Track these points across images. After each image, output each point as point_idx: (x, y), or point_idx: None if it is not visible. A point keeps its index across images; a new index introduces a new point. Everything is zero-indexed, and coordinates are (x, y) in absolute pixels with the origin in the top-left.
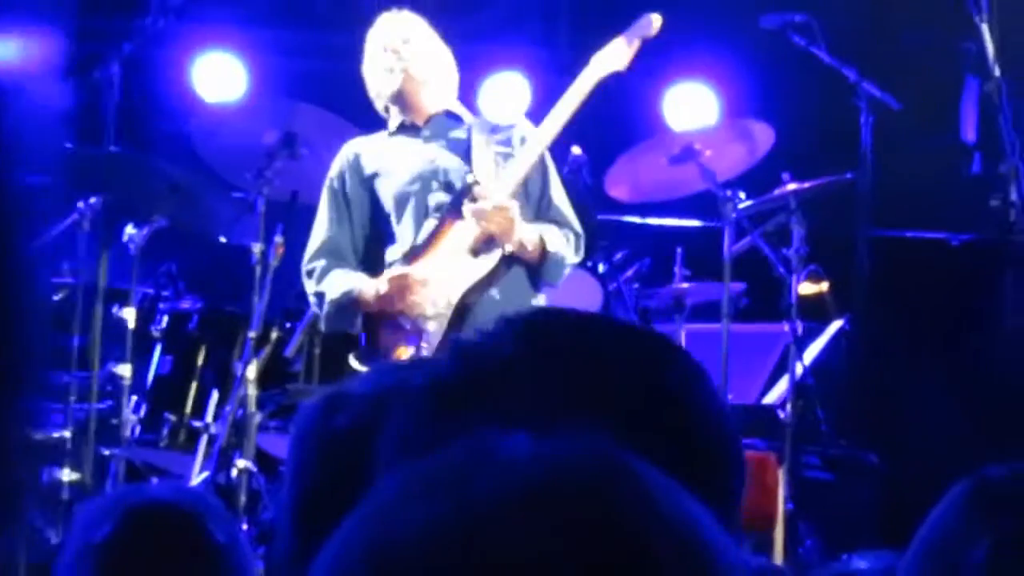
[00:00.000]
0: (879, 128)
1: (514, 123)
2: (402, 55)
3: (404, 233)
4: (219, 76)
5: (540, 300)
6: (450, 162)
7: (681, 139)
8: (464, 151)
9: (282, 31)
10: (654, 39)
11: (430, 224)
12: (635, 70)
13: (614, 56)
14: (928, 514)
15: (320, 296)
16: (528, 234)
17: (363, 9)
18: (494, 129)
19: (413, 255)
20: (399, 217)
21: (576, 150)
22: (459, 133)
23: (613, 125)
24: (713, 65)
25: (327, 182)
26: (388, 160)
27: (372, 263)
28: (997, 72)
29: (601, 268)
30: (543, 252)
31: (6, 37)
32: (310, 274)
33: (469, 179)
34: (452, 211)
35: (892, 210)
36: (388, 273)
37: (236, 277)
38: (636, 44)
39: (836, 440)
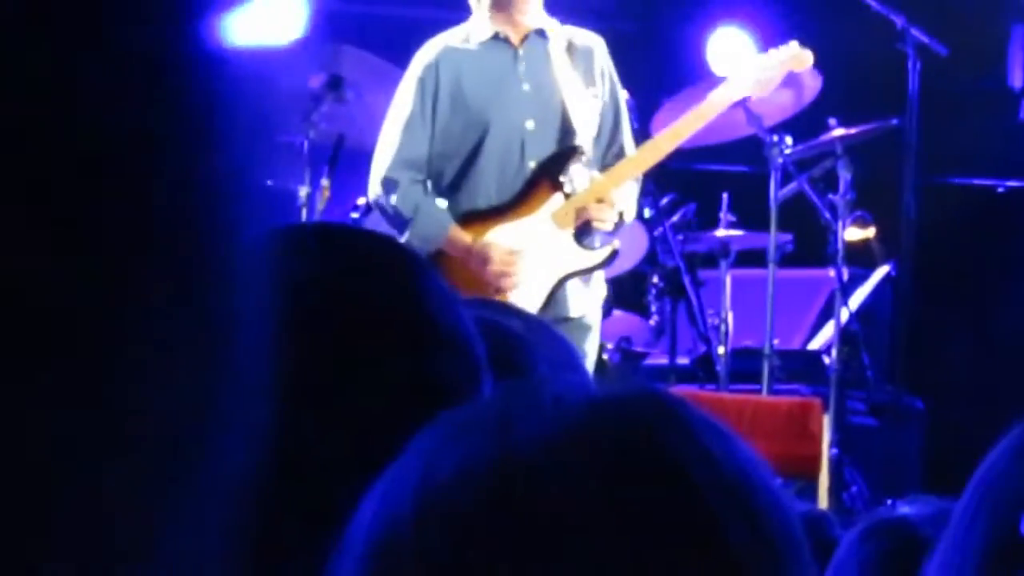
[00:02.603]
0: (926, 74)
1: (590, 45)
2: None
3: (486, 175)
4: (278, 16)
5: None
6: (548, 101)
7: None
8: (559, 81)
9: None
10: None
11: (519, 176)
12: (679, 15)
13: (753, 81)
14: (979, 460)
15: (398, 217)
16: (615, 215)
17: None
18: (571, 49)
19: (499, 213)
20: (482, 153)
21: (623, 93)
22: (551, 54)
23: (659, 68)
24: (759, 9)
25: (414, 73)
26: (482, 80)
27: (439, 181)
28: None
29: (647, 213)
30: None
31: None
32: (388, 185)
33: (578, 146)
34: (550, 173)
35: (939, 156)
36: (486, 237)
37: (282, 220)
38: (779, 74)
39: (881, 385)
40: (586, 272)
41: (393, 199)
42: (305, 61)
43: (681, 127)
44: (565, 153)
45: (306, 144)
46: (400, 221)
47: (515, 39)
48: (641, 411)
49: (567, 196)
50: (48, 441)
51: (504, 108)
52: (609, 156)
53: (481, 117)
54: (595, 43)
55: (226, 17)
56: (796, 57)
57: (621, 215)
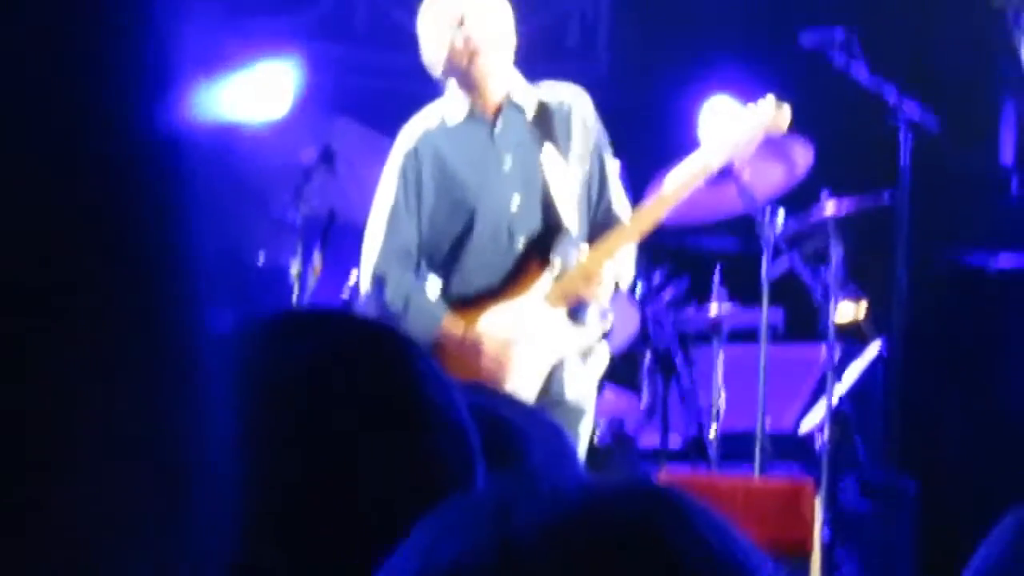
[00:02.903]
0: (918, 148)
1: (567, 101)
2: (474, 33)
3: (475, 256)
4: (268, 89)
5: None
6: (530, 176)
7: None
8: (539, 151)
9: (321, 46)
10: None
11: (508, 256)
12: (671, 85)
13: (731, 143)
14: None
15: (391, 313)
16: (610, 287)
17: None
18: (546, 112)
19: (491, 295)
20: (471, 235)
21: (614, 162)
22: (528, 124)
23: (651, 141)
24: (750, 82)
25: (396, 163)
26: (464, 162)
27: (430, 266)
28: None
29: (639, 290)
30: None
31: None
32: (378, 282)
33: (548, 227)
34: (538, 252)
35: (931, 232)
36: (479, 325)
37: (273, 297)
38: (758, 133)
39: (874, 467)
40: (583, 350)
41: (384, 295)
42: (296, 135)
43: (667, 195)
44: (551, 230)
45: (297, 219)
46: (393, 317)
47: (489, 114)
48: (640, 502)
49: (557, 274)
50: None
51: (488, 189)
52: (599, 213)
53: (466, 200)
54: (572, 97)
55: (196, 94)
56: (773, 116)
57: (617, 284)
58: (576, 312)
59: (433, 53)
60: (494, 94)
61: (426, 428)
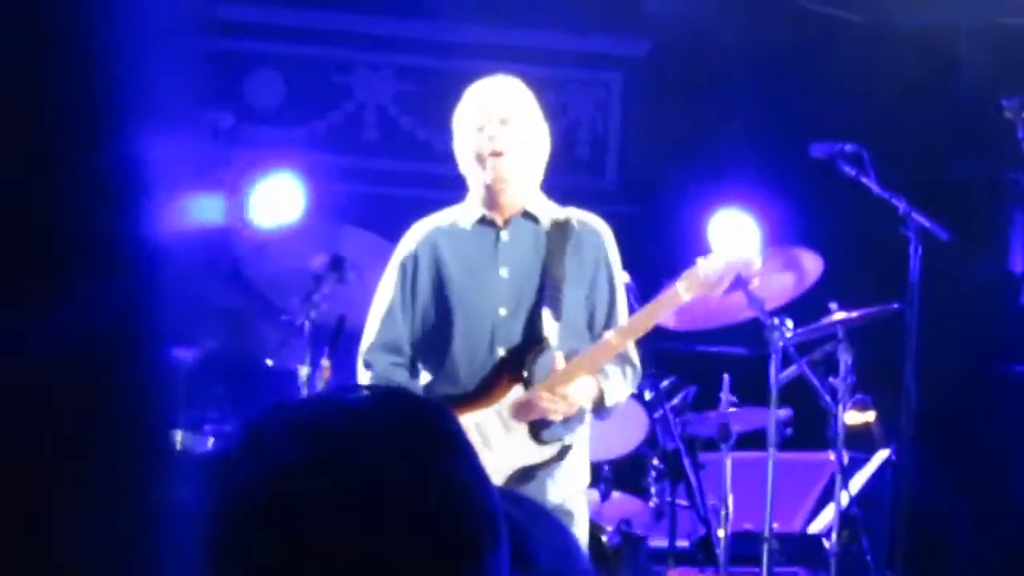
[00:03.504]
0: (927, 257)
1: (588, 231)
2: (497, 142)
3: (458, 360)
4: (278, 199)
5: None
6: (524, 287)
7: None
8: (541, 267)
9: (331, 156)
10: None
11: (488, 363)
12: (680, 198)
13: (705, 280)
14: None
15: None
16: (587, 401)
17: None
18: (564, 233)
19: (467, 400)
20: (455, 337)
21: (624, 276)
22: (537, 238)
23: (659, 251)
24: (759, 192)
25: (397, 259)
26: (462, 265)
27: (420, 362)
28: None
29: (647, 395)
30: (600, 404)
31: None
32: (367, 365)
33: (529, 339)
34: (514, 364)
35: (940, 340)
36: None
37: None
38: (731, 276)
39: (882, 572)
40: (540, 467)
41: (365, 380)
42: (306, 242)
43: (634, 324)
44: (530, 344)
45: (307, 324)
46: None
47: (500, 222)
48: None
49: (527, 388)
50: None
51: (479, 294)
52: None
53: (457, 302)
54: (594, 229)
55: (209, 204)
56: (744, 260)
57: (603, 395)
58: (536, 428)
59: (459, 150)
60: (509, 203)
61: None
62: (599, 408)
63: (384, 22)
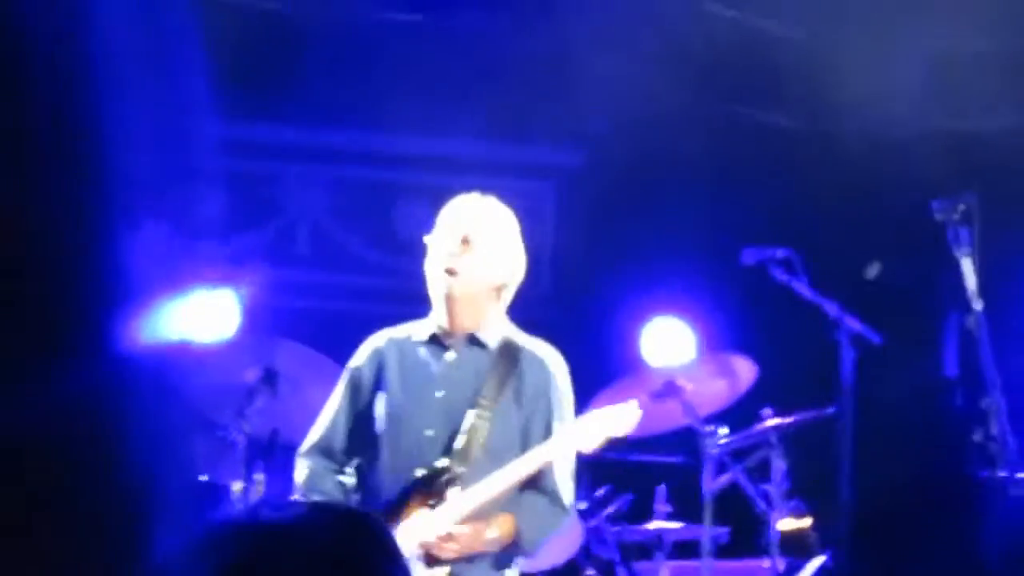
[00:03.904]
0: (862, 362)
1: (535, 363)
2: (453, 260)
3: (383, 476)
4: (212, 314)
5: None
6: (456, 411)
7: (663, 375)
8: (477, 391)
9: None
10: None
11: (406, 483)
12: (613, 304)
13: (585, 435)
14: None
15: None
16: (491, 543)
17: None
18: (510, 362)
19: (385, 512)
20: (383, 454)
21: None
22: (481, 364)
23: (593, 358)
24: (692, 300)
25: (349, 366)
26: (404, 382)
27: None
28: (978, 306)
29: (582, 505)
30: (514, 541)
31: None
32: (302, 463)
33: (442, 464)
34: (426, 489)
35: (875, 444)
36: None
37: (216, 516)
38: (609, 435)
39: None
40: None
41: (299, 476)
42: (239, 356)
43: (515, 470)
44: (441, 473)
45: (240, 438)
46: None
47: (449, 342)
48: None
49: (431, 514)
50: None
51: (411, 412)
52: (539, 473)
53: (391, 418)
54: (542, 362)
55: (143, 318)
56: (620, 420)
57: (518, 533)
58: (427, 560)
59: (426, 264)
60: (460, 325)
61: None
62: (515, 547)
63: (316, 133)
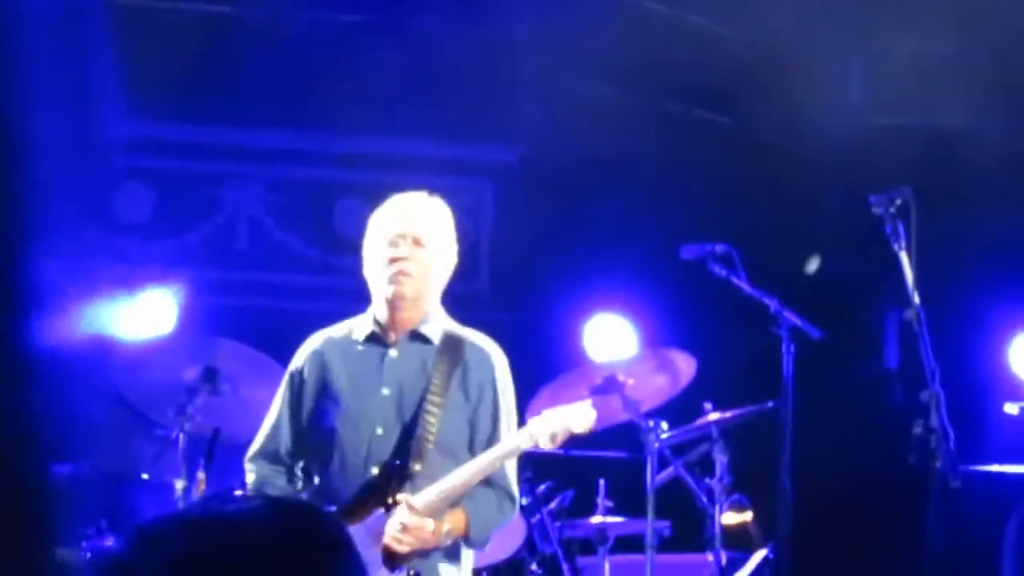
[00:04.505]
0: (801, 357)
1: (478, 355)
2: (407, 263)
3: (335, 476)
4: (150, 313)
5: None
6: (404, 407)
7: (604, 370)
8: (424, 388)
9: (204, 269)
10: (573, 271)
11: (360, 481)
12: (556, 302)
13: (547, 433)
14: None
15: None
16: (444, 537)
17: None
18: (453, 356)
19: (339, 515)
20: (334, 453)
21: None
22: (425, 359)
23: (534, 356)
24: (632, 297)
25: (288, 371)
26: (347, 381)
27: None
28: (917, 300)
29: (524, 500)
30: (465, 533)
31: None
32: (250, 470)
33: (396, 463)
34: (381, 487)
35: (816, 438)
36: None
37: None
38: (564, 429)
39: None
40: None
41: (248, 483)
42: (179, 355)
43: (477, 467)
44: (401, 469)
45: (181, 437)
46: None
47: (391, 338)
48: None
49: (388, 512)
50: None
51: (359, 411)
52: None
53: (339, 418)
54: (484, 353)
55: (80, 318)
56: (580, 418)
57: (468, 526)
58: (387, 558)
59: (368, 257)
60: (403, 322)
61: None
62: (466, 540)
63: (254, 134)
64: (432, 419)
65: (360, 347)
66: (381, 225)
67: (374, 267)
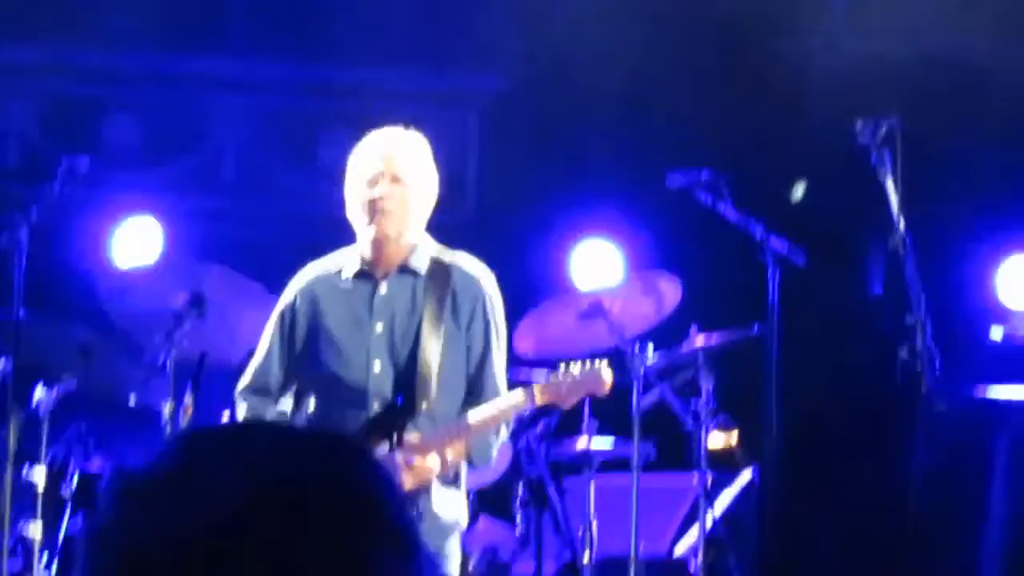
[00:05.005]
0: (786, 282)
1: (468, 283)
2: (386, 201)
3: (334, 413)
4: (137, 241)
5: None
6: (399, 342)
7: (589, 296)
8: (417, 321)
9: (190, 197)
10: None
11: (361, 418)
12: (542, 228)
13: (557, 393)
14: None
15: None
16: (448, 467)
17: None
18: (443, 285)
19: None
20: (332, 391)
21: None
22: (415, 291)
23: (520, 282)
24: (619, 222)
25: (278, 307)
26: (339, 319)
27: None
28: (902, 226)
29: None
30: (468, 457)
31: None
32: (239, 402)
33: (399, 401)
34: (382, 425)
35: (801, 363)
36: None
37: (146, 438)
38: (581, 393)
39: None
40: None
41: (239, 416)
42: (166, 281)
43: (484, 419)
44: (399, 405)
45: (169, 362)
46: None
47: (379, 276)
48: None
49: (390, 449)
50: None
51: (353, 349)
52: (470, 398)
53: (333, 356)
54: (474, 277)
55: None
56: (598, 380)
57: (470, 452)
58: None
59: (349, 198)
60: (390, 257)
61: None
62: (469, 463)
63: (240, 63)
64: (432, 356)
65: (350, 284)
66: (359, 166)
67: (355, 208)
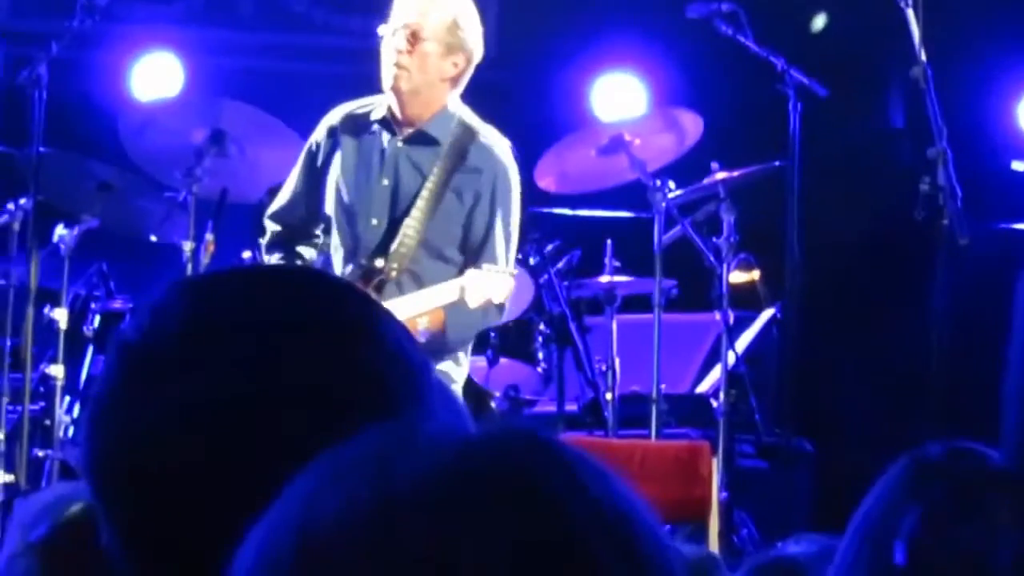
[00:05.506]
0: (807, 115)
1: (486, 159)
2: (402, 56)
3: (336, 257)
4: (156, 76)
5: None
6: (401, 201)
7: (610, 130)
8: (423, 185)
9: (209, 30)
10: (580, 31)
11: (353, 264)
12: (563, 62)
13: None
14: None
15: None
16: (420, 336)
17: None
18: (461, 158)
19: None
20: (337, 236)
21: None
22: (430, 157)
23: (541, 117)
24: (640, 55)
25: (311, 140)
26: (354, 163)
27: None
28: (923, 57)
29: (532, 260)
30: (443, 330)
31: None
32: (264, 230)
33: (378, 264)
34: (372, 277)
35: (823, 197)
36: None
37: (167, 276)
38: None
39: (770, 428)
40: None
41: (263, 242)
42: (186, 117)
43: (425, 299)
44: (392, 262)
45: (190, 198)
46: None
47: (400, 128)
48: (516, 448)
49: None
50: None
51: (359, 199)
52: (471, 259)
53: (340, 203)
54: (495, 158)
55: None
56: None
57: (445, 321)
58: None
59: (382, 47)
60: (408, 118)
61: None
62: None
63: None
64: (419, 217)
65: (373, 129)
66: (396, 8)
67: (383, 54)
